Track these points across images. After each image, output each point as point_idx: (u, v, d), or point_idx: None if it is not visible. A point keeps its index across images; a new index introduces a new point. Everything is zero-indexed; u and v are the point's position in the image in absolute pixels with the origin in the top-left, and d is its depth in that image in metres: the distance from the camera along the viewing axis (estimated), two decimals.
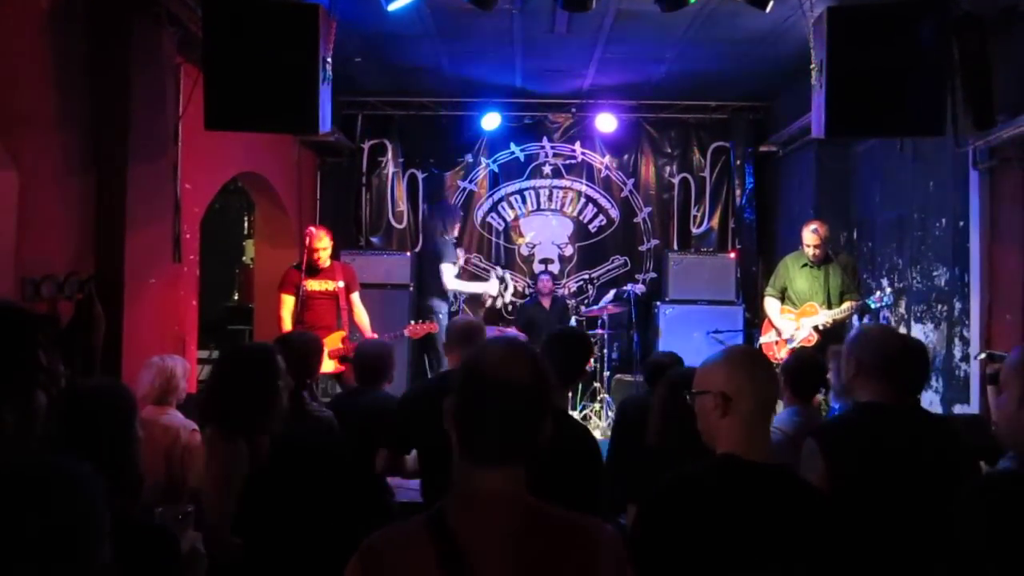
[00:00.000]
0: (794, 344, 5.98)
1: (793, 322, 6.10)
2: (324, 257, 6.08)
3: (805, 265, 6.10)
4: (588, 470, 2.82)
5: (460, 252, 7.28)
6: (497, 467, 1.49)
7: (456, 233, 7.28)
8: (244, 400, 2.76)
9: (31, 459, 1.42)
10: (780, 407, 3.76)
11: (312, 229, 6.19)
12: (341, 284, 6.13)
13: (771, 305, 6.28)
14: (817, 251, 5.99)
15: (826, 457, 2.29)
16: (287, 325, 5.92)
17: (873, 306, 5.95)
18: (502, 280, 7.52)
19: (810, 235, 6.01)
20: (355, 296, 6.25)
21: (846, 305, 5.91)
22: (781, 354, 6.03)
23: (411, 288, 8.12)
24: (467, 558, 1.43)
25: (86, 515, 1.28)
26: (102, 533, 1.32)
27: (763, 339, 6.41)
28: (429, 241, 8.99)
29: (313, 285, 6.04)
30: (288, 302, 6.01)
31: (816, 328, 5.93)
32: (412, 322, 6.48)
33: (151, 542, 1.87)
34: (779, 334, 6.18)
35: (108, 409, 2.11)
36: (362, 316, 6.24)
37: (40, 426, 1.68)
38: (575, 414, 7.40)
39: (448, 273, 7.04)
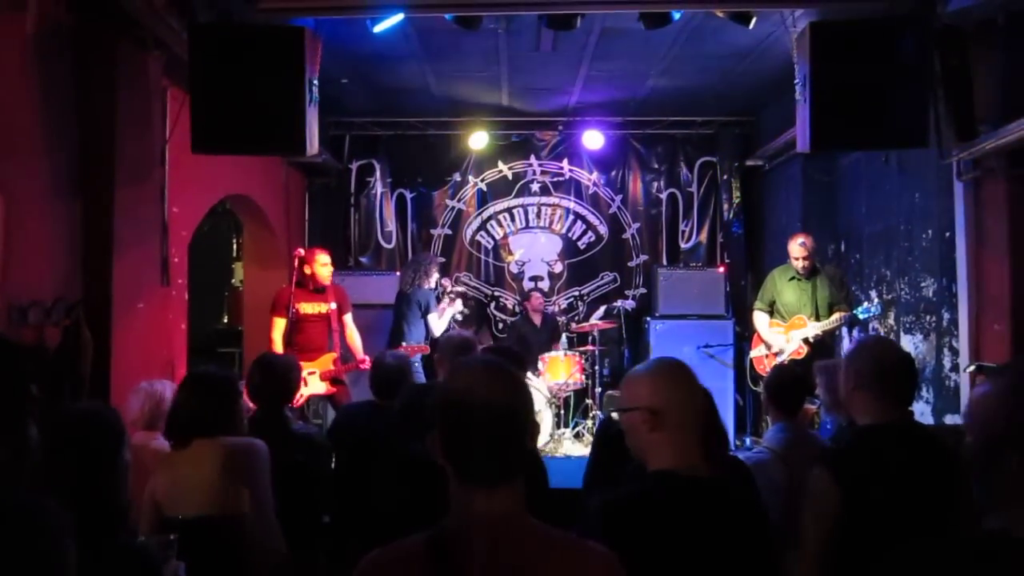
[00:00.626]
0: (784, 358, 6.00)
1: (782, 335, 6.12)
2: (326, 275, 6.07)
3: (793, 278, 6.14)
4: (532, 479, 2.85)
5: (445, 297, 7.08)
6: (492, 488, 1.48)
7: (431, 283, 7.06)
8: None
9: None
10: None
11: (301, 251, 6.19)
12: (333, 305, 6.11)
13: (760, 319, 6.30)
14: (805, 263, 6.03)
15: (841, 485, 2.25)
16: (278, 348, 5.90)
17: (861, 316, 5.98)
18: (455, 295, 7.19)
19: (797, 248, 6.04)
20: (348, 317, 6.23)
21: (835, 316, 5.94)
22: (770, 368, 6.05)
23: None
24: None
25: (49, 554, 1.25)
26: (66, 571, 1.29)
27: (753, 353, 6.43)
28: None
29: (306, 307, 6.03)
30: (279, 324, 5.99)
31: (805, 340, 5.96)
32: (404, 343, 6.46)
33: (132, 566, 1.83)
34: (768, 348, 6.20)
35: (94, 435, 2.09)
36: (354, 337, 6.22)
37: (32, 459, 1.66)
38: (567, 431, 7.39)
39: (434, 323, 6.86)
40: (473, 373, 1.55)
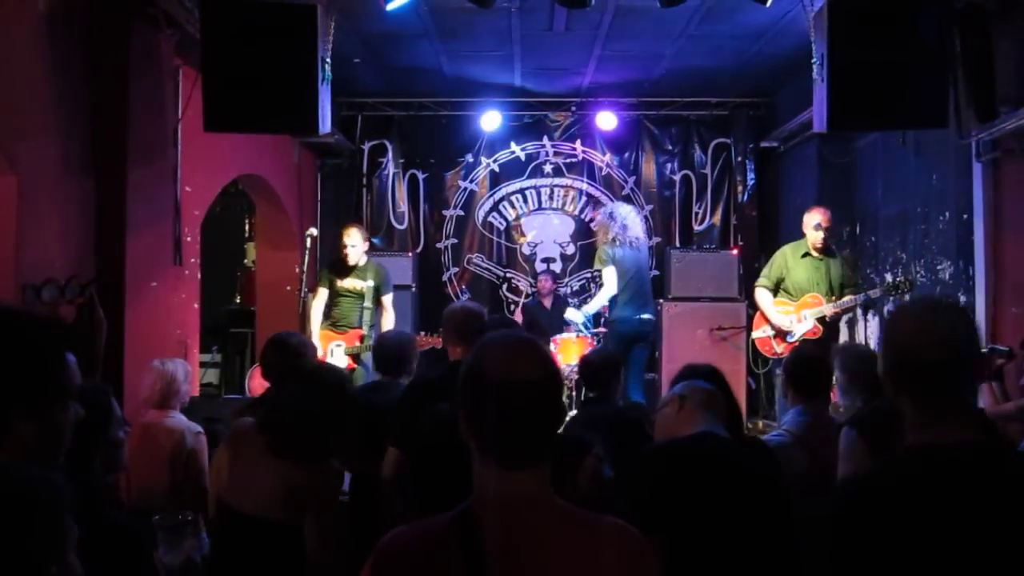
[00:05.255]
0: (796, 338, 5.87)
1: (791, 315, 5.93)
2: (352, 255, 6.08)
3: (806, 255, 5.95)
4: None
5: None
6: (509, 469, 1.44)
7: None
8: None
9: None
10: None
11: (313, 230, 6.25)
12: (371, 283, 6.13)
13: (764, 296, 6.06)
14: (824, 235, 5.82)
15: (867, 443, 2.56)
16: (315, 320, 6.12)
17: (878, 295, 5.89)
18: None
19: (813, 222, 5.87)
20: (386, 299, 6.23)
21: (849, 297, 5.83)
22: (779, 349, 5.95)
23: (413, 289, 8.10)
24: (494, 562, 1.38)
25: (44, 525, 1.24)
26: (63, 543, 1.28)
27: (756, 334, 6.17)
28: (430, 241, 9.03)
29: (343, 283, 6.14)
30: (320, 295, 6.19)
31: (820, 320, 5.83)
32: (420, 334, 6.38)
33: (112, 544, 1.79)
34: (774, 328, 6.01)
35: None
36: (387, 319, 6.23)
37: (66, 440, 1.62)
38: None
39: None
40: (501, 349, 1.48)
